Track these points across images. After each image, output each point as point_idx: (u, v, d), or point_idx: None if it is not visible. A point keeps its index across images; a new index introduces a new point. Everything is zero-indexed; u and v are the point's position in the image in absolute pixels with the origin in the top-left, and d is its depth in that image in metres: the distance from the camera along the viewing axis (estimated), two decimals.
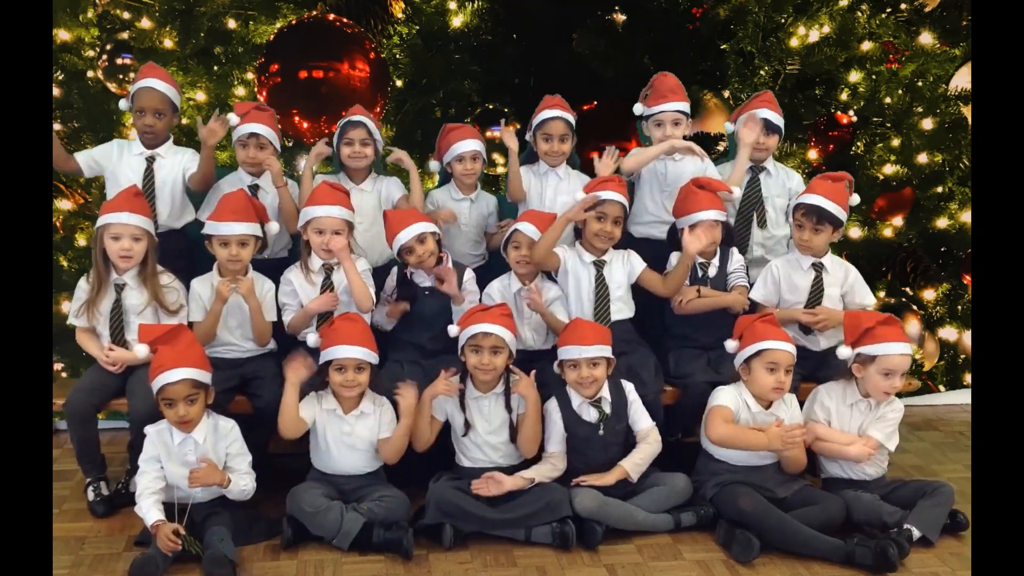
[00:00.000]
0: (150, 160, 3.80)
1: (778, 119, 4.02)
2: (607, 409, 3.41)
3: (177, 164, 3.84)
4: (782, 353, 3.36)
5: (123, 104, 3.88)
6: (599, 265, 3.75)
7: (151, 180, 3.78)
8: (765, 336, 3.37)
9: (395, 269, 3.76)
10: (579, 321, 3.49)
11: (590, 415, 3.40)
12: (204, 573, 2.99)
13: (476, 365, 3.35)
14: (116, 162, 3.83)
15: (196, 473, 3.12)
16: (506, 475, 3.31)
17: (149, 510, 3.09)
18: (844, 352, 3.47)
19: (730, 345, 3.49)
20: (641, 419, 3.48)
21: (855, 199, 3.83)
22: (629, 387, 3.50)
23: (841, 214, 3.68)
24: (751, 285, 3.84)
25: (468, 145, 3.91)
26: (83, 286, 3.53)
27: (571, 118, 3.97)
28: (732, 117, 4.12)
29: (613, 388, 3.45)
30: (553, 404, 3.44)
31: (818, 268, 3.74)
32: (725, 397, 3.41)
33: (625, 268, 3.78)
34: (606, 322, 3.67)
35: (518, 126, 4.30)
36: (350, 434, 3.35)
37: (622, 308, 3.76)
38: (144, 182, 3.75)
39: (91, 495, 3.52)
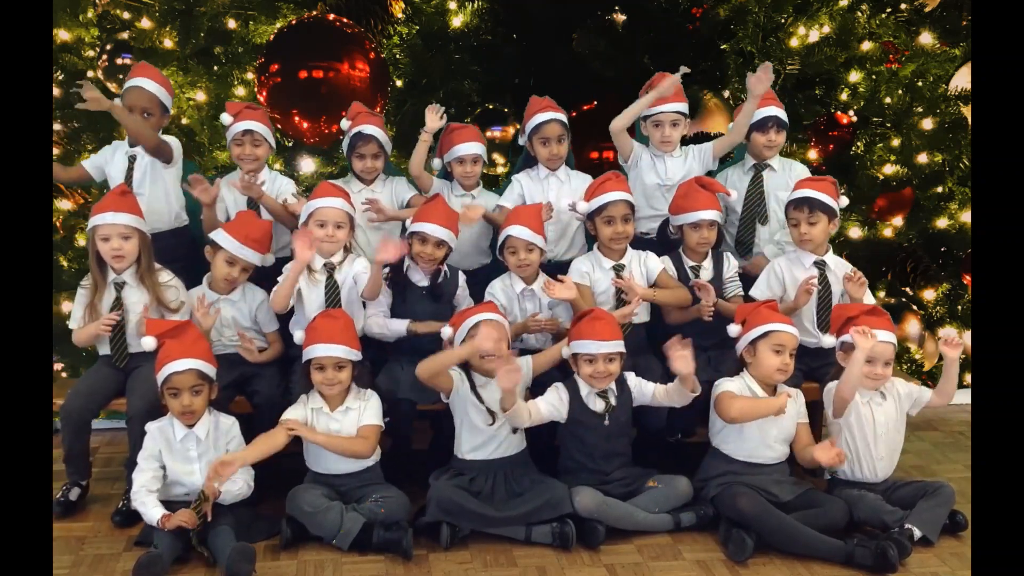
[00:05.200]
0: (131, 159, 3.80)
1: (784, 116, 4.01)
2: (613, 401, 3.42)
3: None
4: (788, 335, 3.38)
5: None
6: (618, 270, 3.74)
7: (130, 177, 3.77)
8: (771, 319, 3.40)
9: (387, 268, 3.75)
10: (595, 315, 3.42)
11: (596, 406, 3.41)
12: (226, 566, 2.97)
13: (481, 354, 3.34)
14: (110, 162, 3.84)
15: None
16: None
17: (154, 506, 3.10)
18: (829, 341, 3.50)
19: (732, 329, 3.48)
20: (648, 385, 3.48)
21: (844, 200, 3.83)
22: (629, 375, 3.51)
23: (832, 202, 3.68)
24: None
25: (468, 148, 3.89)
26: (82, 290, 3.54)
27: (564, 118, 3.95)
28: (735, 117, 4.10)
29: (618, 382, 3.46)
30: (562, 387, 3.44)
31: (820, 265, 3.74)
32: (730, 384, 3.43)
33: (642, 271, 3.77)
34: (626, 328, 3.64)
35: (518, 126, 4.30)
36: (339, 431, 3.34)
37: (640, 313, 3.74)
38: (125, 179, 3.75)
39: (59, 494, 3.51)
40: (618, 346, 3.37)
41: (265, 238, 3.63)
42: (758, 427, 3.38)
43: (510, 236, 3.64)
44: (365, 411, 3.37)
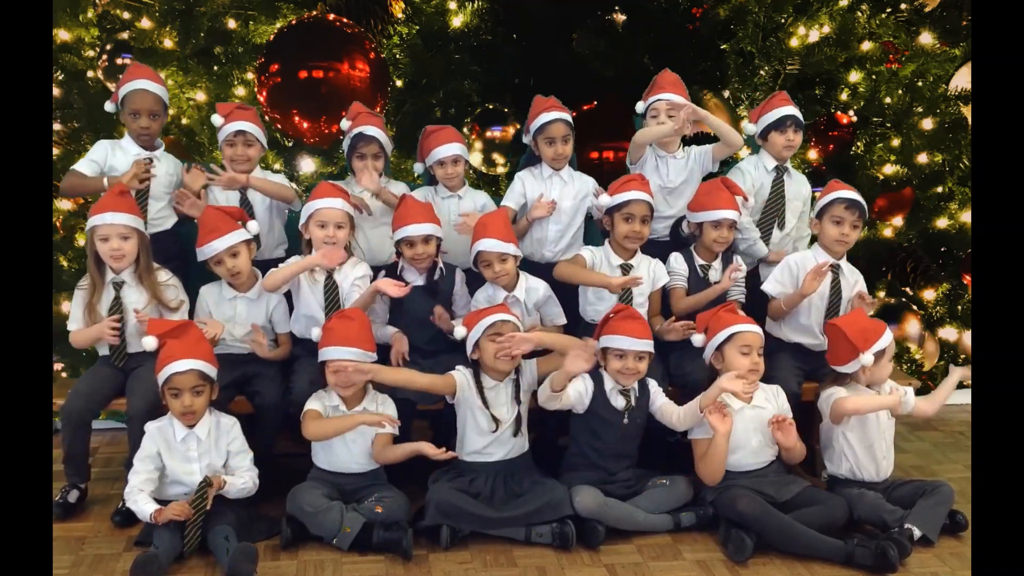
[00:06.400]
0: (148, 161, 3.80)
1: (801, 116, 4.02)
2: (633, 401, 3.42)
3: (172, 169, 3.88)
4: (753, 335, 3.39)
5: (109, 106, 3.88)
6: (626, 269, 3.74)
7: (147, 180, 3.77)
8: (733, 321, 3.40)
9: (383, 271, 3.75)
10: (628, 313, 3.42)
11: (618, 402, 3.41)
12: (228, 566, 2.97)
13: (497, 353, 3.34)
14: (111, 161, 3.82)
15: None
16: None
17: (146, 503, 3.10)
18: (868, 359, 3.37)
19: (697, 339, 3.49)
20: (661, 397, 3.49)
21: None
22: (651, 381, 3.51)
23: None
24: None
25: (448, 150, 3.87)
26: (80, 291, 3.53)
27: (570, 118, 3.94)
28: (751, 118, 4.09)
29: (640, 384, 3.48)
30: (587, 377, 3.42)
31: (835, 269, 3.72)
32: (699, 430, 3.40)
33: (650, 276, 3.77)
34: None
35: (518, 126, 4.29)
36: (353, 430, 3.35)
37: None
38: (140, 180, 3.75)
39: (58, 496, 3.50)
40: (649, 346, 3.37)
41: (233, 214, 3.59)
42: (737, 443, 3.37)
43: (481, 252, 3.59)
44: (385, 412, 3.38)
